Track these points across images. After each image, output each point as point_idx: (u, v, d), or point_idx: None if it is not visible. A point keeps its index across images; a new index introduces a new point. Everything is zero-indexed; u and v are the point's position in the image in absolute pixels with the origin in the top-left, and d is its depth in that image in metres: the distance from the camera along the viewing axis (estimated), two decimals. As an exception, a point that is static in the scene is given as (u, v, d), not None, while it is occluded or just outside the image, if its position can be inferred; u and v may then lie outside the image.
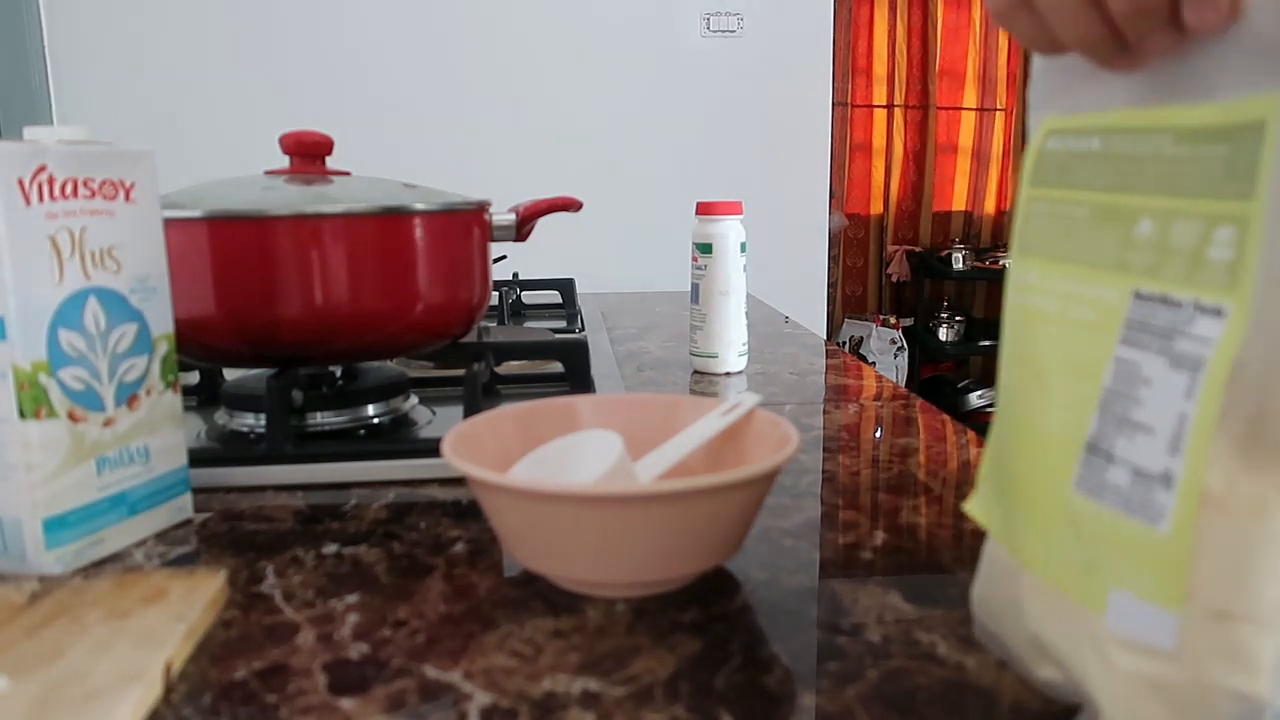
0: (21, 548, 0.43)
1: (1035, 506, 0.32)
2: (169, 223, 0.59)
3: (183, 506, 0.51)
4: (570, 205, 0.76)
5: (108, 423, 0.46)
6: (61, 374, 0.44)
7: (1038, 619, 0.32)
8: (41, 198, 0.42)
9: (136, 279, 0.48)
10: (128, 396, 0.47)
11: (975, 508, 0.37)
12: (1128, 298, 0.28)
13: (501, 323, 1.10)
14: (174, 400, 0.50)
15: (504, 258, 1.57)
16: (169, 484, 0.50)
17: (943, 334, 3.64)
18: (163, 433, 0.49)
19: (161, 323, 0.49)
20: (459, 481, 0.56)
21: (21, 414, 0.42)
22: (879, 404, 0.76)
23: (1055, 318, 0.31)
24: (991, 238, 3.83)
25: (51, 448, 0.43)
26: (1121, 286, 0.29)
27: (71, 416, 0.44)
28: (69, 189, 0.44)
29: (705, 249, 0.87)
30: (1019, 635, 0.33)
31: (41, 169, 0.42)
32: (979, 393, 3.59)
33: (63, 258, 0.43)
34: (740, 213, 0.88)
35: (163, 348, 0.50)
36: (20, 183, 0.41)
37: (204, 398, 0.74)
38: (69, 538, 0.44)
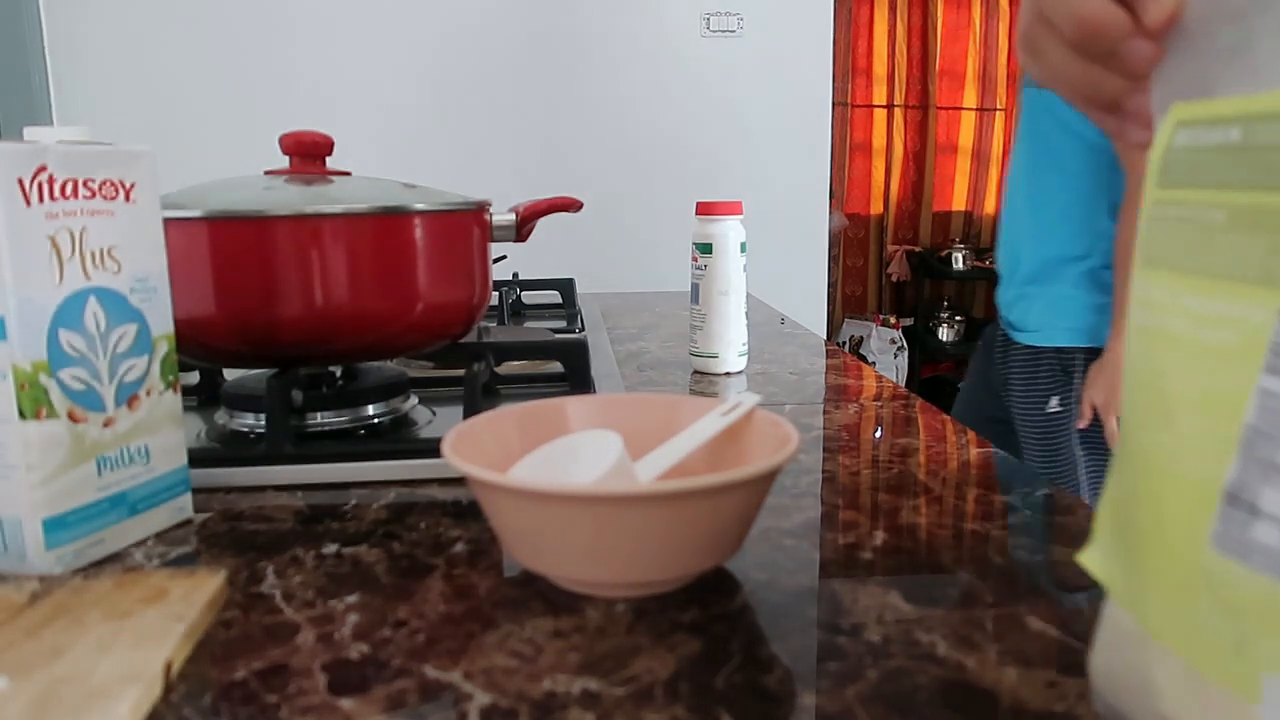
0: (22, 548, 0.43)
1: (1164, 565, 0.28)
2: (169, 223, 0.59)
3: (183, 507, 0.51)
4: (570, 205, 0.76)
5: (108, 423, 0.46)
6: (61, 374, 0.43)
7: (1172, 701, 0.28)
8: (42, 198, 0.42)
9: (136, 279, 0.48)
10: (128, 397, 0.47)
11: (1092, 561, 0.32)
12: (1275, 317, 0.24)
13: (501, 323, 1.10)
14: (174, 400, 0.50)
15: (504, 258, 1.57)
16: (169, 484, 0.50)
17: (943, 334, 3.64)
18: (163, 433, 0.49)
19: (162, 323, 0.49)
20: (459, 481, 0.56)
21: (21, 414, 0.42)
22: (879, 404, 0.76)
23: (1186, 341, 0.27)
24: (991, 238, 3.83)
25: (52, 448, 0.43)
26: (1268, 304, 0.25)
27: (72, 417, 0.44)
28: (69, 189, 0.44)
29: (705, 249, 0.87)
30: (1147, 717, 0.29)
31: (41, 169, 0.42)
32: (979, 393, 3.59)
33: (63, 258, 0.43)
34: (740, 213, 0.88)
35: (163, 348, 0.49)
36: (20, 183, 0.41)
37: (204, 398, 0.74)
38: (69, 538, 0.44)
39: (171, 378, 0.50)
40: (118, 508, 0.47)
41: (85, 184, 0.44)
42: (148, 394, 0.48)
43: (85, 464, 0.45)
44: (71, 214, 0.44)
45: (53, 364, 0.43)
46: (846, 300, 3.85)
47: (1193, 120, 0.29)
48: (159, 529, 0.49)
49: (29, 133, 0.47)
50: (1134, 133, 0.33)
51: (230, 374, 0.74)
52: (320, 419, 0.64)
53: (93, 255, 0.45)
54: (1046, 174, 1.38)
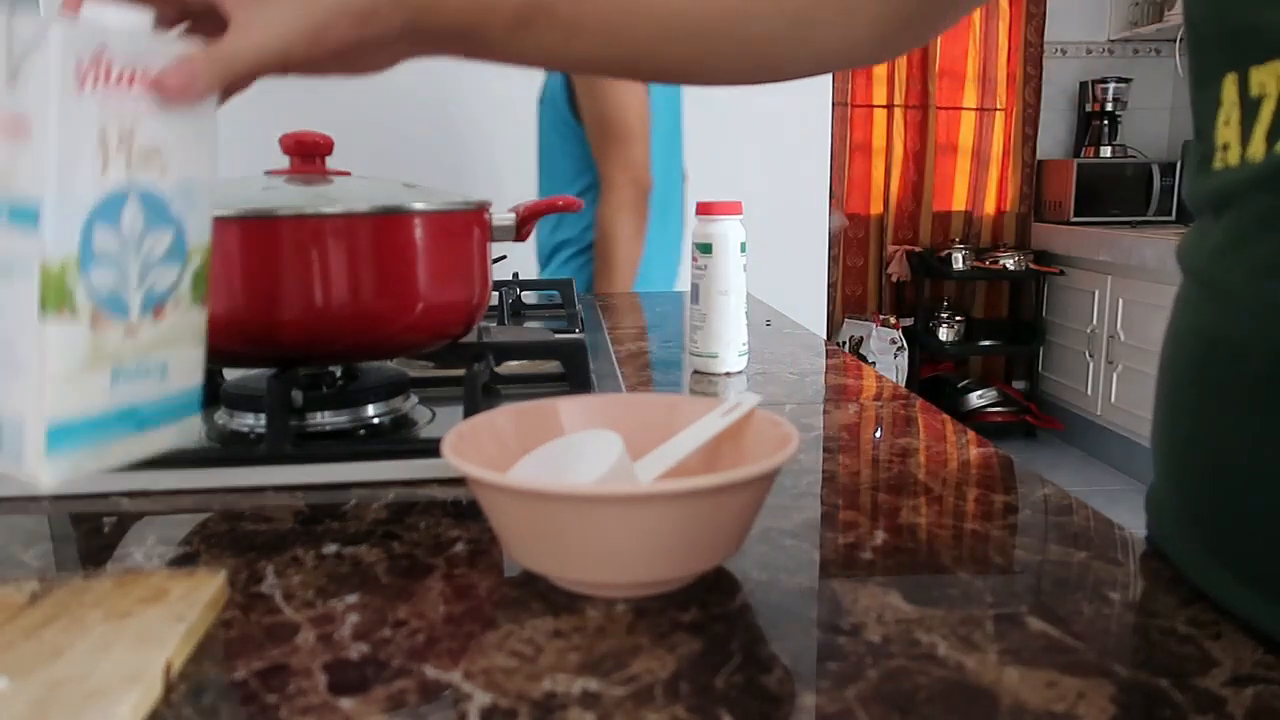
0: (19, 449, 0.39)
1: None
2: (169, 223, 0.59)
3: (191, 429, 0.47)
4: (570, 205, 0.76)
5: (130, 331, 0.42)
6: (91, 274, 0.40)
7: None
8: (95, 85, 0.39)
9: (180, 183, 0.44)
10: (154, 306, 0.43)
11: None
12: None
13: (501, 323, 1.10)
14: (200, 316, 0.47)
15: (504, 258, 1.57)
16: (181, 403, 0.46)
17: (943, 334, 3.64)
18: (183, 349, 0.46)
19: (199, 233, 0.46)
20: (459, 481, 0.56)
21: (43, 310, 0.38)
22: (879, 404, 0.76)
23: None
24: (991, 238, 3.83)
25: (68, 350, 0.39)
26: None
27: (94, 321, 0.40)
28: (124, 79, 0.41)
29: (705, 249, 0.87)
30: None
31: (100, 54, 0.39)
32: (979, 393, 3.60)
33: (109, 152, 0.40)
34: (740, 213, 0.88)
35: (196, 260, 0.46)
36: (77, 68, 0.39)
37: (204, 398, 0.74)
38: (71, 446, 0.41)
39: (201, 292, 0.47)
40: (126, 422, 0.43)
41: (142, 76, 0.42)
42: (175, 306, 0.45)
43: (100, 372, 0.41)
44: (123, 107, 0.41)
45: (83, 262, 0.40)
46: (846, 300, 3.85)
47: None
48: (164, 448, 0.46)
49: (88, 10, 0.44)
50: None
51: (230, 374, 0.74)
52: (320, 419, 0.64)
53: (139, 153, 0.42)
54: (553, 174, 1.61)
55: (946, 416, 0.72)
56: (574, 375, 0.72)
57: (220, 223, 0.57)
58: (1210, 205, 0.43)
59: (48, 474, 0.40)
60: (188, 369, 0.47)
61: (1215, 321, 0.42)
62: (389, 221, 0.60)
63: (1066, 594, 0.41)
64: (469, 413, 0.60)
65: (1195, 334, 0.44)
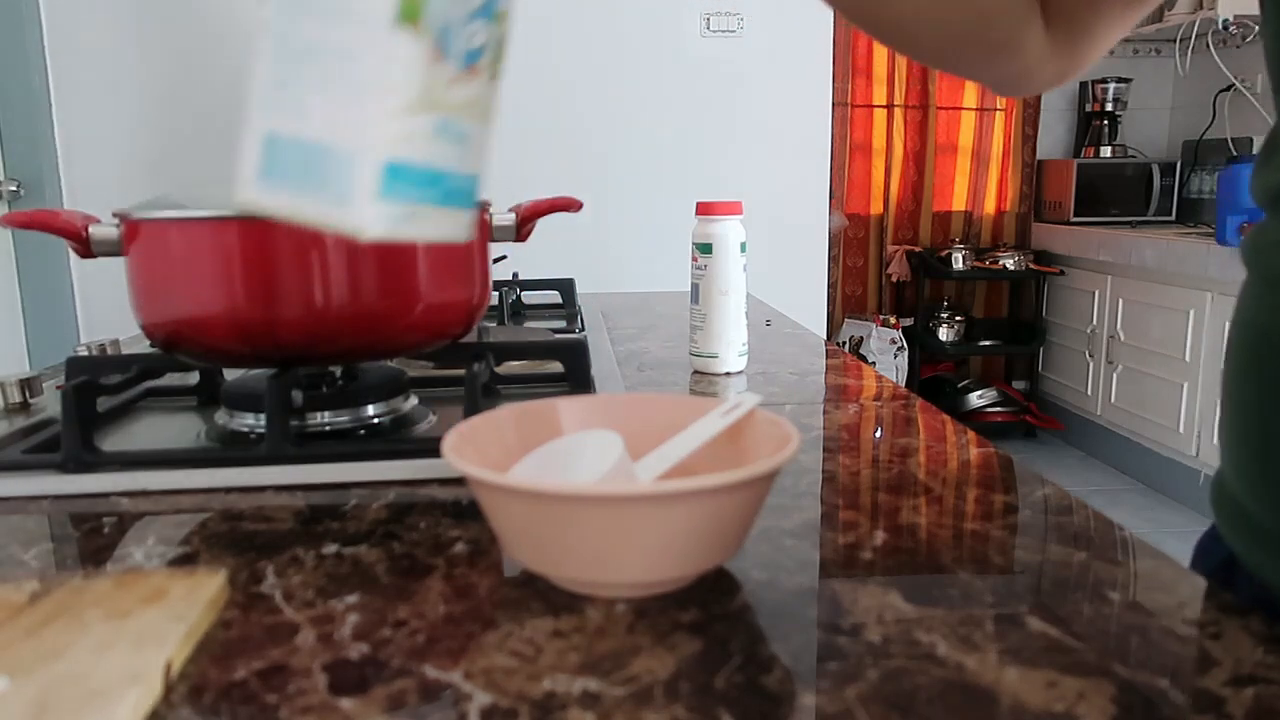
0: (348, 188, 0.34)
1: None
2: (170, 223, 0.59)
3: (467, 224, 0.42)
4: (570, 205, 0.76)
5: (452, 82, 0.37)
6: None
7: None
8: None
9: None
10: (470, 64, 0.38)
11: None
12: None
13: (501, 323, 1.10)
14: (495, 94, 0.41)
15: (504, 258, 1.57)
16: (467, 190, 0.41)
17: (943, 334, 3.64)
18: (481, 124, 0.41)
19: None
20: (459, 481, 0.56)
21: (399, 18, 0.33)
22: (879, 404, 0.76)
23: None
24: (991, 238, 3.83)
25: (411, 76, 0.34)
26: None
27: (431, 55, 0.35)
28: None
29: (705, 249, 0.87)
30: None
31: None
32: (979, 393, 3.59)
33: None
34: (740, 213, 0.88)
35: (499, 27, 0.40)
36: None
37: (204, 398, 0.74)
38: (402, 192, 0.35)
39: (499, 67, 0.41)
40: (435, 186, 0.38)
41: None
42: (482, 71, 0.40)
43: (427, 115, 0.36)
44: None
45: None
46: (846, 300, 3.84)
47: None
48: (445, 236, 0.41)
49: None
50: None
51: (230, 374, 0.74)
52: (320, 419, 0.64)
53: None
54: None
55: (946, 416, 0.72)
56: (574, 375, 0.72)
57: (220, 223, 0.57)
58: (1272, 201, 0.44)
59: (379, 219, 0.35)
60: (477, 150, 0.41)
61: (1271, 315, 0.43)
62: (389, 221, 0.60)
63: (1066, 594, 0.41)
64: (469, 413, 0.60)
65: (1252, 327, 0.45)
